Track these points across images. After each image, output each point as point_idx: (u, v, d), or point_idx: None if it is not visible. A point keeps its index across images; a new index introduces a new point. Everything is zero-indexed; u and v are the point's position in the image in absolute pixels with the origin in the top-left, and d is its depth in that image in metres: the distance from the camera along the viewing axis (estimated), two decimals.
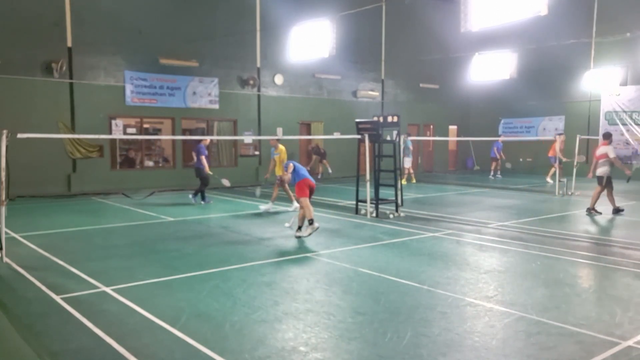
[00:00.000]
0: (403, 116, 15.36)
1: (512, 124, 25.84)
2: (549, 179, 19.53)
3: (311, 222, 8.73)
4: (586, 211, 11.88)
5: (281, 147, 12.50)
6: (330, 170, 20.61)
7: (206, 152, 13.40)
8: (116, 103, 16.92)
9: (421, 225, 10.35)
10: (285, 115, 20.45)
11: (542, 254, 7.79)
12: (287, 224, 9.86)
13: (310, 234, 8.83)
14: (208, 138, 13.81)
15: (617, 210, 11.77)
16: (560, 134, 20.25)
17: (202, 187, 13.36)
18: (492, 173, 22.37)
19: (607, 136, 12.19)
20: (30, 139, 8.09)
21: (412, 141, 20.23)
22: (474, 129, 26.54)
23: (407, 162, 19.26)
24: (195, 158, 13.28)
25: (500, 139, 22.59)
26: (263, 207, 12.30)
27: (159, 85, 17.65)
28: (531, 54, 21.97)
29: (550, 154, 19.31)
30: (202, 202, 13.37)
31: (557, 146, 18.22)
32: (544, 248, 8.20)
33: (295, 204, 12.08)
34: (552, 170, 18.98)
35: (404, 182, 16.71)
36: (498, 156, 22.18)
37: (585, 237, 9.28)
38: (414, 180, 19.85)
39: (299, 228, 8.96)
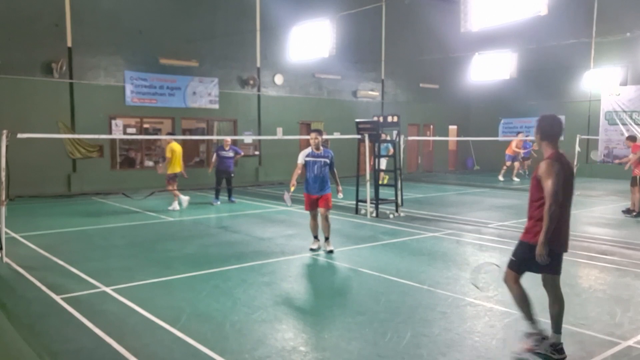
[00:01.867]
0: (403, 116, 15.36)
1: (512, 124, 25.84)
2: (500, 177, 20.36)
3: (317, 237, 8.16)
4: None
5: (171, 146, 12.25)
6: None
7: (219, 151, 13.26)
8: (116, 103, 16.92)
9: (421, 225, 10.35)
10: (285, 115, 20.45)
11: None
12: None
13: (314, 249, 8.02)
14: (229, 138, 13.63)
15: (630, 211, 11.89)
16: (519, 132, 20.59)
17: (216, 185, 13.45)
18: (525, 171, 21.78)
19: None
20: (30, 139, 8.10)
21: (412, 141, 20.10)
22: (474, 129, 26.53)
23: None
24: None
25: (528, 138, 21.81)
26: (170, 207, 12.35)
27: (159, 85, 17.65)
28: (531, 54, 21.95)
29: (507, 152, 20.24)
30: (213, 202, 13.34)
31: (514, 144, 18.73)
32: None
33: (176, 204, 12.41)
34: (505, 168, 20.19)
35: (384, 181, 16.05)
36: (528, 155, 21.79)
37: (585, 237, 9.27)
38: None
39: (327, 239, 8.05)
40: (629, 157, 12.30)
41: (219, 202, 13.30)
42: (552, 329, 4.19)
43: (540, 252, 3.95)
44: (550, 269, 4.14)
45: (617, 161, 12.57)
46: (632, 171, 11.92)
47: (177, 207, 12.31)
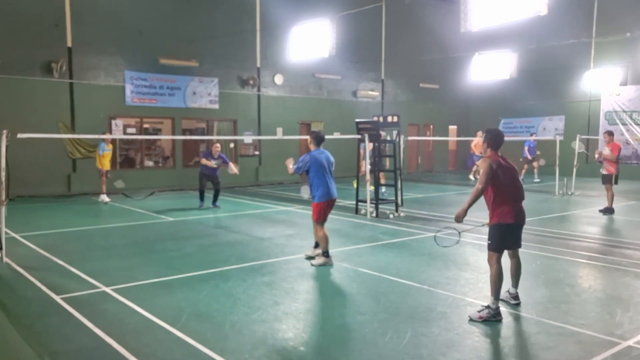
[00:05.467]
0: (403, 116, 15.35)
1: (512, 124, 25.83)
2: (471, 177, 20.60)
3: (326, 254, 7.21)
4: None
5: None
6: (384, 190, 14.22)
7: (210, 160, 12.68)
8: (116, 103, 16.92)
9: (421, 225, 10.34)
10: (285, 115, 20.45)
11: (542, 254, 7.79)
12: None
13: (320, 265, 7.15)
14: (219, 144, 13.17)
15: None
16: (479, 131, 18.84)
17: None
18: (522, 176, 20.52)
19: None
20: (30, 139, 8.10)
21: (412, 141, 20.09)
22: (474, 129, 26.49)
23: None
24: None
25: (532, 137, 20.73)
26: (105, 199, 13.84)
27: (159, 85, 17.65)
28: (531, 54, 21.95)
29: (473, 151, 20.15)
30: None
31: (477, 142, 18.53)
32: (544, 248, 8.20)
33: (105, 198, 13.82)
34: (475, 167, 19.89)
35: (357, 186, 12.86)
36: (530, 157, 20.22)
37: (585, 237, 9.28)
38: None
39: (317, 245, 7.47)
40: (601, 152, 12.12)
41: (203, 204, 12.76)
42: (512, 284, 5.52)
43: (459, 214, 5.35)
44: (514, 243, 5.43)
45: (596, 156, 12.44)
46: (606, 169, 11.84)
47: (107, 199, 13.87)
